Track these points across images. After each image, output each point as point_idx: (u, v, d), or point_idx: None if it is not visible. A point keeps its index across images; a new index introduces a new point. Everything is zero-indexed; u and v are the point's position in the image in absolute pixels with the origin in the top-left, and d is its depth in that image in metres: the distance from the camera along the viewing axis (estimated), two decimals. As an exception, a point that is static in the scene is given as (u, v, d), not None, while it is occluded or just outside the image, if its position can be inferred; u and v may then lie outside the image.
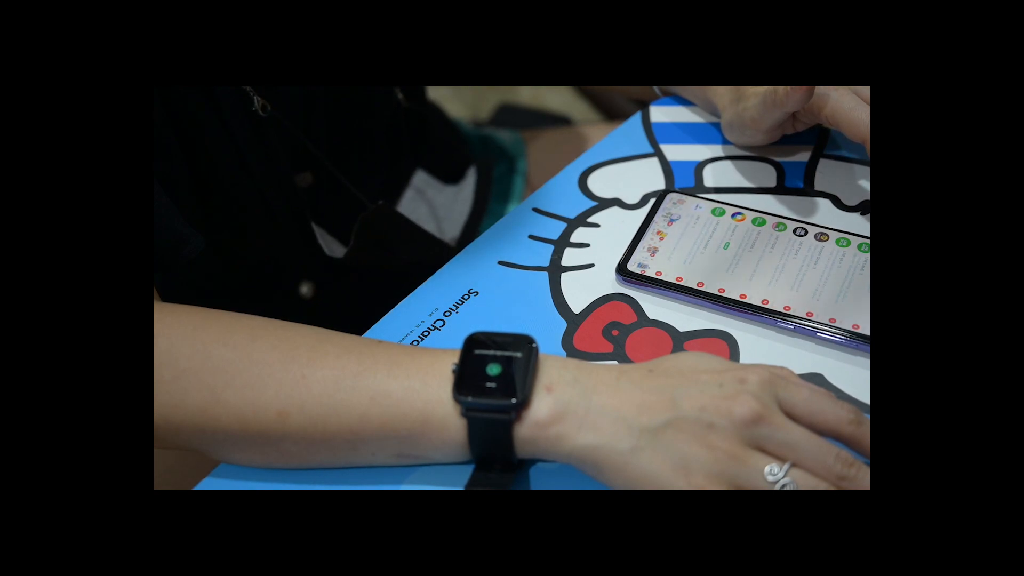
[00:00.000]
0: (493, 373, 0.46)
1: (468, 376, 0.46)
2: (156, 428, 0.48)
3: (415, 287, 0.59)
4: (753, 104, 0.60)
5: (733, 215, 0.61)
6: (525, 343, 0.47)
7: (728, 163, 0.65)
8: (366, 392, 0.46)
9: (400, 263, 0.72)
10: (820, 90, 0.59)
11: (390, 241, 0.73)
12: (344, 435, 0.47)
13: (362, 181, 0.73)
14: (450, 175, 0.84)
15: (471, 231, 0.83)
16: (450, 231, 0.82)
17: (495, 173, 0.88)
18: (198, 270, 0.65)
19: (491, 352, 0.47)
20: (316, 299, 0.71)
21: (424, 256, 0.71)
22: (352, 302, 0.67)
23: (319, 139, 0.70)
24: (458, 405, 0.45)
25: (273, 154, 0.65)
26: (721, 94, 0.64)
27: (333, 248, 0.71)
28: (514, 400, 0.45)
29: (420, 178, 0.82)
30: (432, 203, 0.82)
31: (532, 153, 0.91)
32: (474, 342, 0.47)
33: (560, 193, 0.65)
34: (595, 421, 0.44)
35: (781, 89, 0.56)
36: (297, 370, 0.47)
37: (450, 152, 0.86)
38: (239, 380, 0.47)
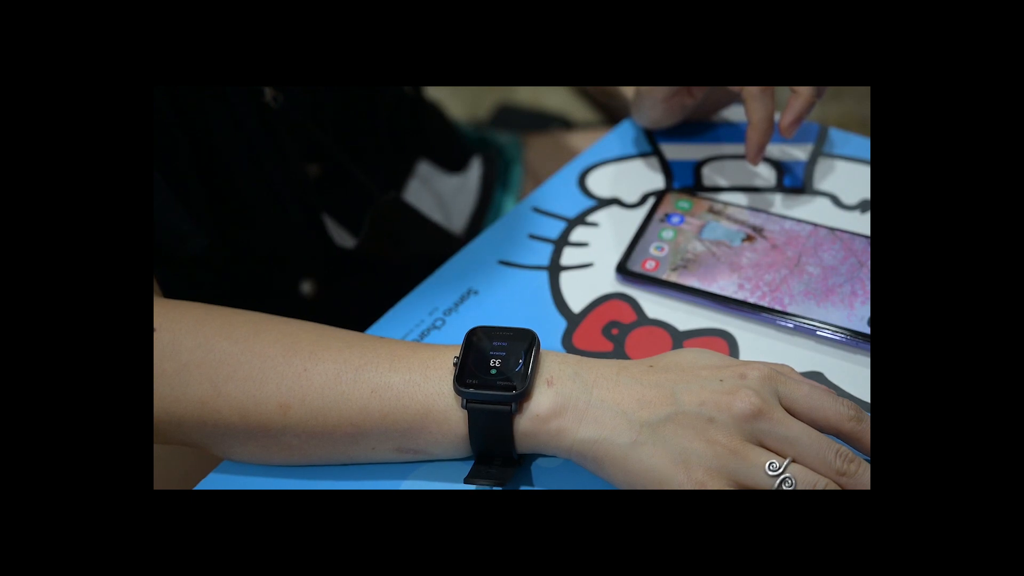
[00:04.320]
0: (494, 366, 0.46)
1: (469, 368, 0.46)
2: (158, 422, 0.48)
3: (418, 280, 0.59)
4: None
5: (733, 221, 0.61)
6: (526, 337, 0.47)
7: (727, 162, 0.66)
8: (367, 385, 0.46)
9: (409, 254, 0.72)
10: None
11: (401, 232, 0.73)
12: (345, 428, 0.47)
13: (367, 171, 0.73)
14: (453, 164, 0.84)
15: (477, 221, 0.83)
16: (457, 221, 0.82)
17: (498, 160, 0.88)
18: (203, 266, 0.65)
19: (493, 345, 0.47)
20: (317, 297, 0.71)
21: (433, 247, 0.71)
22: (354, 300, 0.67)
23: (326, 129, 0.70)
24: (459, 398, 0.46)
25: (282, 145, 0.65)
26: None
27: (343, 238, 0.72)
28: (515, 391, 0.45)
29: (423, 168, 0.82)
30: (438, 192, 0.82)
31: (530, 155, 0.91)
32: (476, 335, 0.47)
33: (559, 192, 0.65)
34: (596, 415, 0.44)
35: None
36: (299, 363, 0.47)
37: (450, 142, 0.86)
38: (241, 373, 0.47)
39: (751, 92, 0.59)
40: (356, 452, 0.48)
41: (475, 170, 0.85)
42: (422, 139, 0.83)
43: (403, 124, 0.79)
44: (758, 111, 0.59)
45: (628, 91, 0.66)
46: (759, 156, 0.60)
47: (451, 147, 0.85)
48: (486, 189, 0.84)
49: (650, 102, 0.63)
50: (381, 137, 0.77)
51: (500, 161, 0.89)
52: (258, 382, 0.47)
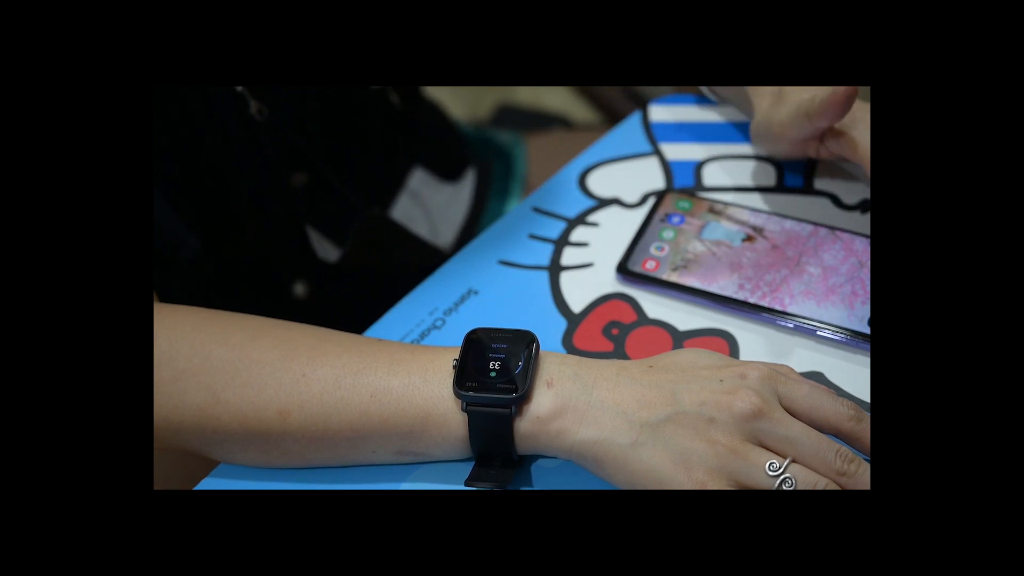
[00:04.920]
0: (494, 368, 0.46)
1: (469, 371, 0.46)
2: (157, 429, 0.48)
3: (409, 289, 0.59)
4: (787, 111, 0.58)
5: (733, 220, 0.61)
6: (526, 339, 0.47)
7: (727, 162, 0.65)
8: (367, 389, 0.46)
9: (393, 267, 0.72)
10: (853, 131, 0.57)
11: (384, 247, 0.73)
12: (345, 433, 0.47)
13: (357, 183, 0.73)
14: (448, 172, 0.84)
15: (469, 232, 0.83)
16: (446, 233, 0.82)
17: (493, 170, 0.88)
18: (194, 272, 0.65)
19: (492, 347, 0.47)
20: (311, 300, 0.71)
21: (418, 261, 0.71)
22: (347, 303, 0.67)
23: (313, 142, 0.70)
24: (459, 400, 0.46)
25: (268, 157, 0.65)
26: (762, 93, 0.61)
27: (327, 251, 0.72)
28: (515, 394, 0.45)
29: (417, 177, 0.82)
30: (427, 205, 0.82)
31: (532, 155, 0.91)
32: (475, 338, 0.47)
33: (560, 192, 0.65)
34: (596, 416, 0.44)
35: (818, 98, 0.54)
36: (297, 369, 0.47)
37: (447, 149, 0.86)
38: (239, 379, 0.47)
39: None
40: (356, 455, 0.48)
41: (469, 180, 0.85)
42: (417, 146, 0.82)
43: (395, 134, 0.79)
44: None
45: (756, 108, 0.62)
46: None
47: (447, 153, 0.85)
48: (478, 201, 0.84)
49: (774, 140, 0.60)
50: (370, 148, 0.77)
51: (498, 164, 0.89)
52: (257, 388, 0.47)
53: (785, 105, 0.58)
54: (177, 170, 0.61)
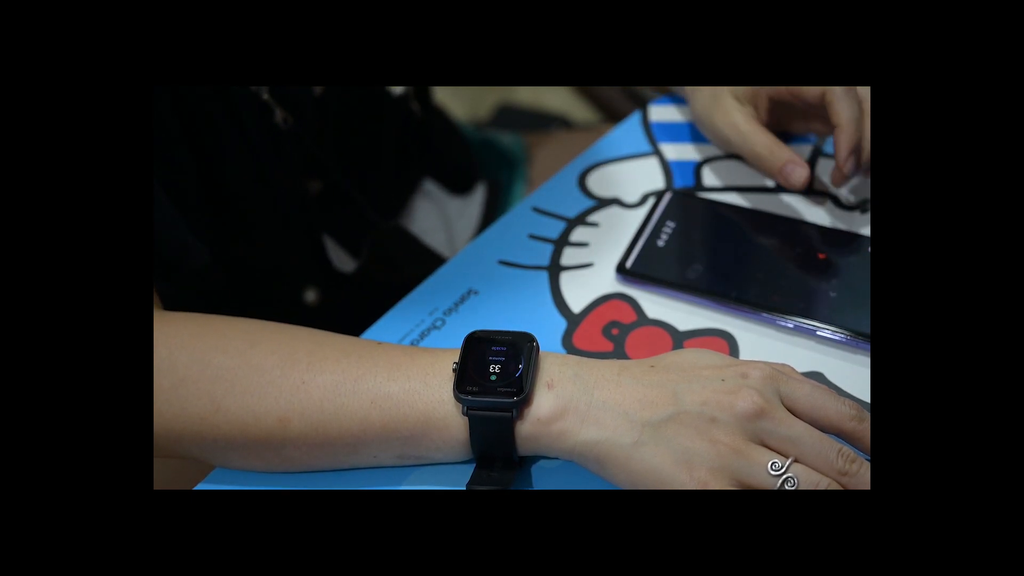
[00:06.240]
0: (494, 371, 0.46)
1: (469, 374, 0.46)
2: (157, 437, 0.47)
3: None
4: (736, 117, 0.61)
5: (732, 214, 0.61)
6: (525, 341, 0.47)
7: (727, 162, 0.65)
8: (366, 395, 0.46)
9: (407, 279, 0.73)
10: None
11: (399, 259, 0.73)
12: (345, 439, 0.47)
13: (372, 190, 0.73)
14: (457, 186, 0.84)
15: None
16: (460, 244, 0.82)
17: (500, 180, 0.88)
18: (205, 278, 0.65)
19: (492, 349, 0.47)
20: (321, 307, 0.71)
21: (432, 272, 0.72)
22: (357, 311, 0.67)
23: (330, 150, 0.70)
24: (459, 404, 0.45)
25: (289, 165, 0.65)
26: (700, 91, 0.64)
27: (342, 260, 0.72)
28: (515, 397, 0.44)
29: (428, 187, 0.82)
30: (444, 211, 0.82)
31: (535, 158, 0.90)
32: (474, 340, 0.47)
33: (559, 192, 0.65)
34: (597, 416, 0.44)
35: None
36: (297, 376, 0.47)
37: (456, 161, 0.86)
38: (239, 387, 0.47)
39: (836, 92, 0.57)
40: (357, 460, 0.48)
41: (479, 196, 0.85)
42: (429, 157, 0.82)
43: (410, 144, 0.79)
44: (845, 111, 0.56)
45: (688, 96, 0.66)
46: (850, 160, 0.57)
47: (457, 166, 0.85)
48: (490, 215, 0.84)
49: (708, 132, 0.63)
50: (386, 157, 0.77)
51: (504, 172, 0.89)
52: (257, 396, 0.47)
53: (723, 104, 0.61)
54: (192, 176, 0.61)
